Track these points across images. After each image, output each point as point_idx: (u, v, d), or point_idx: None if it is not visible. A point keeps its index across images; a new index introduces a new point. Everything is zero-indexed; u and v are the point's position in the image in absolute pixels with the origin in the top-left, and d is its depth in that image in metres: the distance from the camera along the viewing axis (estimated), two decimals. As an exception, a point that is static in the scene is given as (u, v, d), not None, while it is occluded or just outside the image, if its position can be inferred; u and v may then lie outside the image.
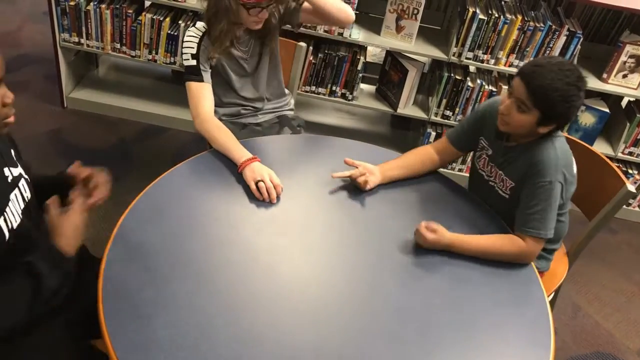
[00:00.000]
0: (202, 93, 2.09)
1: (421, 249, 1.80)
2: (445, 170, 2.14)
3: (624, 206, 2.57)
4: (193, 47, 2.08)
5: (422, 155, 2.08)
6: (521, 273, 1.79)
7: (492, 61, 2.93)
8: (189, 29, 2.13)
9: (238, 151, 1.95)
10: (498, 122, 1.84)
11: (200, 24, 2.11)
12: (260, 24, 2.07)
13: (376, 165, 1.99)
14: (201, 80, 2.09)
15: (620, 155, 3.17)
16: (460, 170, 3.27)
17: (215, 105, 2.16)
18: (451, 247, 1.79)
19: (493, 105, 1.95)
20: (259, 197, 1.84)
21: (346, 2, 2.77)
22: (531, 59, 2.88)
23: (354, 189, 1.99)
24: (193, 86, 2.09)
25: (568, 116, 1.76)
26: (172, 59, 3.07)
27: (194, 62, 2.08)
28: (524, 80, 1.73)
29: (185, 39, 2.10)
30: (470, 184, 2.15)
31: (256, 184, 1.85)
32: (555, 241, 2.07)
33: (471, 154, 2.14)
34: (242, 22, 2.06)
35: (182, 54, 2.12)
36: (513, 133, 1.86)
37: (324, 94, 3.09)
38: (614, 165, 2.16)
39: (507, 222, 1.92)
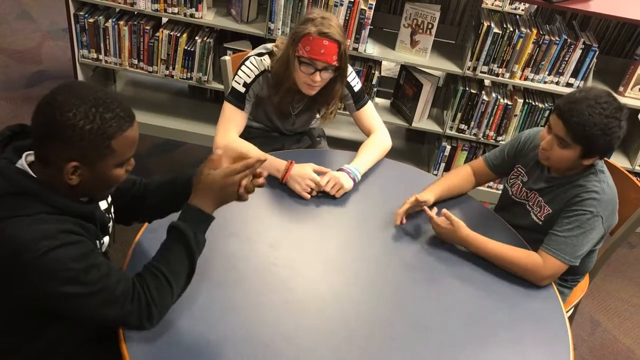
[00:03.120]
0: (236, 119, 2.08)
1: (440, 266, 1.79)
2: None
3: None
4: (250, 77, 2.06)
5: (464, 178, 2.08)
6: (540, 289, 1.77)
7: (507, 75, 2.92)
8: (255, 56, 2.09)
9: (273, 165, 1.97)
10: (539, 156, 1.84)
11: (267, 60, 2.08)
12: (312, 90, 2.03)
13: (426, 190, 1.96)
14: (241, 108, 2.08)
15: (637, 168, 3.13)
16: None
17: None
18: (466, 242, 1.81)
19: (535, 137, 1.96)
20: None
21: (361, 21, 2.79)
22: (546, 72, 2.88)
23: (371, 204, 1.99)
24: (230, 109, 2.08)
25: (611, 147, 1.74)
26: (189, 74, 3.11)
27: (242, 90, 2.06)
28: (561, 118, 1.72)
29: (247, 64, 2.07)
30: (500, 204, 2.14)
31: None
32: (580, 274, 2.05)
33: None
34: (296, 78, 2.02)
35: (236, 74, 2.09)
36: (555, 167, 1.86)
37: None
38: (635, 178, 2.14)
39: (532, 248, 1.87)
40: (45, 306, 1.32)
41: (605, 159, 1.97)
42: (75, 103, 1.23)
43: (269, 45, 2.12)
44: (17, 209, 1.26)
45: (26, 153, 1.34)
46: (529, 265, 1.77)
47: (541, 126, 2.95)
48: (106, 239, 1.50)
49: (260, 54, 2.09)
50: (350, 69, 2.18)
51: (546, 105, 3.00)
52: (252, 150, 2.01)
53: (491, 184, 3.22)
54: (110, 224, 1.53)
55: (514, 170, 2.03)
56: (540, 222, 1.91)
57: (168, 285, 1.38)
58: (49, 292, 1.27)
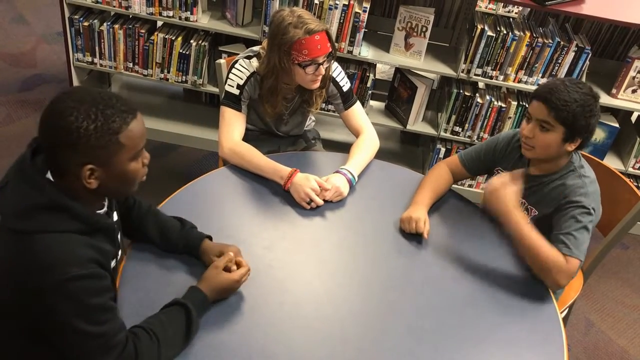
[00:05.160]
0: (236, 121, 2.11)
1: (435, 267, 1.80)
2: (456, 186, 2.14)
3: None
4: (242, 79, 2.09)
5: (446, 179, 2.07)
6: (534, 289, 1.78)
7: (501, 77, 2.94)
8: (243, 59, 2.12)
9: (277, 171, 1.98)
10: (522, 148, 1.86)
11: (255, 62, 2.11)
12: (318, 83, 2.07)
13: (418, 204, 1.94)
14: (238, 109, 2.11)
15: (630, 170, 3.16)
16: (470, 186, 3.27)
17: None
18: (509, 212, 1.74)
19: (512, 140, 1.98)
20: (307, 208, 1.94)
21: (355, 25, 2.81)
22: (540, 75, 2.90)
23: (366, 206, 2.00)
24: (228, 112, 2.10)
25: (589, 128, 1.78)
26: (184, 77, 3.11)
27: (237, 92, 2.09)
28: (542, 101, 1.76)
29: (237, 66, 2.10)
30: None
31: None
32: None
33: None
34: (298, 82, 2.07)
35: (227, 79, 2.11)
36: (540, 157, 1.86)
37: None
38: (628, 180, 2.15)
39: None
40: (44, 329, 1.28)
41: (583, 152, 1.97)
42: (74, 106, 1.22)
43: (255, 48, 2.15)
44: (48, 224, 1.24)
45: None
46: (553, 259, 1.71)
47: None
48: (119, 254, 1.51)
49: (248, 57, 2.13)
50: (339, 69, 2.21)
51: (540, 107, 3.01)
52: (256, 156, 2.03)
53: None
54: (119, 235, 1.53)
55: (495, 174, 2.04)
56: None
57: (158, 354, 1.36)
58: (57, 317, 1.24)
